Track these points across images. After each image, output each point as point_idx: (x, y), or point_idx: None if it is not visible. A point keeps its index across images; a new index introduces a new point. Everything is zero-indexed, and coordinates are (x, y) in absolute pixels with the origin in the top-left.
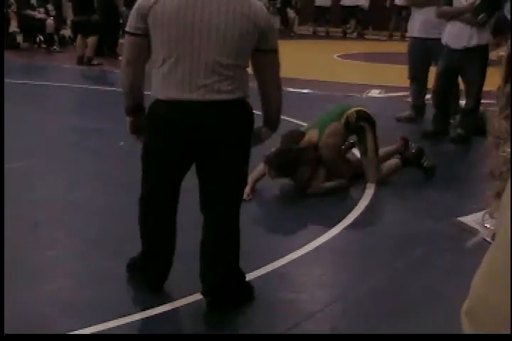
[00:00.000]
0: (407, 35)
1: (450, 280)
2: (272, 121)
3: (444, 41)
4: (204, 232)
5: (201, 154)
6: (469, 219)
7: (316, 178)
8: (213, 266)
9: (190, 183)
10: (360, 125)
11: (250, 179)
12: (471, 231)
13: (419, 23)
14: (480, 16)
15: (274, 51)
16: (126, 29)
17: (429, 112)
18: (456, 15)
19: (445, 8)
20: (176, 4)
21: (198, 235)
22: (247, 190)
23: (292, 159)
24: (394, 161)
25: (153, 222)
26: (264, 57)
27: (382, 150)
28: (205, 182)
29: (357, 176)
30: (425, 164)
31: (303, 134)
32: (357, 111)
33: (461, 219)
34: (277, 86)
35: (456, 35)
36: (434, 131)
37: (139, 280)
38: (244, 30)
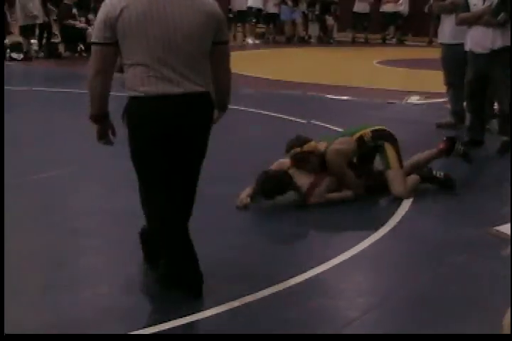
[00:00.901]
0: (439, 41)
1: (489, 288)
2: (224, 103)
3: (468, 48)
4: (168, 205)
5: (179, 141)
6: (506, 228)
7: (320, 185)
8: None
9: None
10: (378, 144)
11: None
12: (508, 240)
13: (449, 29)
14: (500, 16)
15: (228, 42)
16: (93, 40)
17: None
18: (475, 20)
19: (463, 14)
20: (142, 11)
21: (227, 241)
22: (244, 195)
23: (282, 182)
24: (415, 177)
25: (175, 232)
26: (223, 48)
27: (416, 159)
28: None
29: (378, 189)
30: (438, 175)
31: (309, 139)
32: (373, 131)
33: (497, 228)
34: (229, 72)
35: (479, 40)
36: (470, 140)
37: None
38: (206, 25)
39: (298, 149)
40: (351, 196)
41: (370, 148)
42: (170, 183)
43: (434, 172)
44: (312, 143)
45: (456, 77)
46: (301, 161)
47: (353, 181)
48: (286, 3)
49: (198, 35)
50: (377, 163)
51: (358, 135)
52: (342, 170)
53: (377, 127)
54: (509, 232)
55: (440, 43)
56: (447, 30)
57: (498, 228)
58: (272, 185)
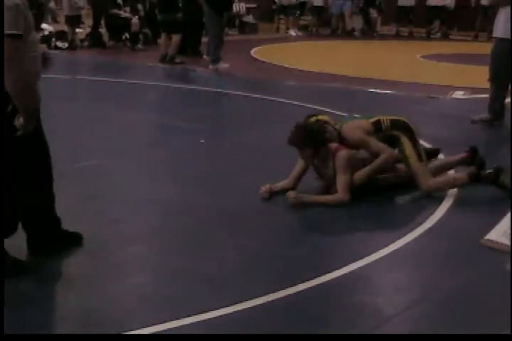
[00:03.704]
0: (493, 35)
1: None
2: (19, 107)
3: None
4: None
5: None
6: (497, 232)
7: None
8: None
9: None
10: (395, 134)
11: (289, 178)
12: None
13: (502, 22)
14: None
15: (6, 35)
16: (16, 31)
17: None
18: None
19: None
20: None
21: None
22: (265, 189)
23: (313, 130)
24: (452, 175)
25: None
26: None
27: (440, 162)
28: None
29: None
30: (505, 182)
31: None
32: (392, 120)
33: (488, 236)
34: (7, 70)
35: None
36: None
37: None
38: None
39: (314, 118)
40: (337, 200)
41: (385, 137)
42: None
43: (503, 177)
44: (326, 116)
45: (500, 73)
46: (322, 127)
47: (384, 146)
48: None
49: None
50: None
51: (375, 119)
52: (362, 139)
53: (395, 117)
54: (502, 239)
55: (493, 37)
56: (500, 23)
57: (489, 237)
58: (301, 132)
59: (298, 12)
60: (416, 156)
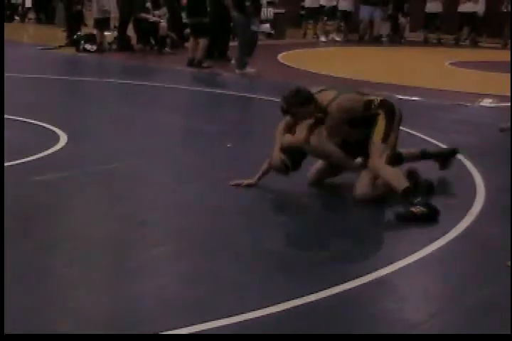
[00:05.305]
0: None
1: None
2: None
3: None
4: None
5: None
6: None
7: (316, 134)
8: None
9: None
10: (377, 113)
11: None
12: None
13: None
14: None
15: None
16: None
17: None
18: None
19: None
20: None
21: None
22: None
23: (298, 89)
24: (397, 170)
25: None
26: None
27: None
28: None
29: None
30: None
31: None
32: (382, 100)
33: None
34: None
35: None
36: None
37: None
38: None
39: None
40: (355, 166)
41: (368, 116)
42: None
43: (417, 200)
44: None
45: None
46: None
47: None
48: (366, 3)
49: None
50: None
51: (369, 97)
52: (336, 124)
53: (387, 98)
54: None
55: None
56: None
57: None
58: (289, 96)
59: (325, 18)
60: (382, 136)
